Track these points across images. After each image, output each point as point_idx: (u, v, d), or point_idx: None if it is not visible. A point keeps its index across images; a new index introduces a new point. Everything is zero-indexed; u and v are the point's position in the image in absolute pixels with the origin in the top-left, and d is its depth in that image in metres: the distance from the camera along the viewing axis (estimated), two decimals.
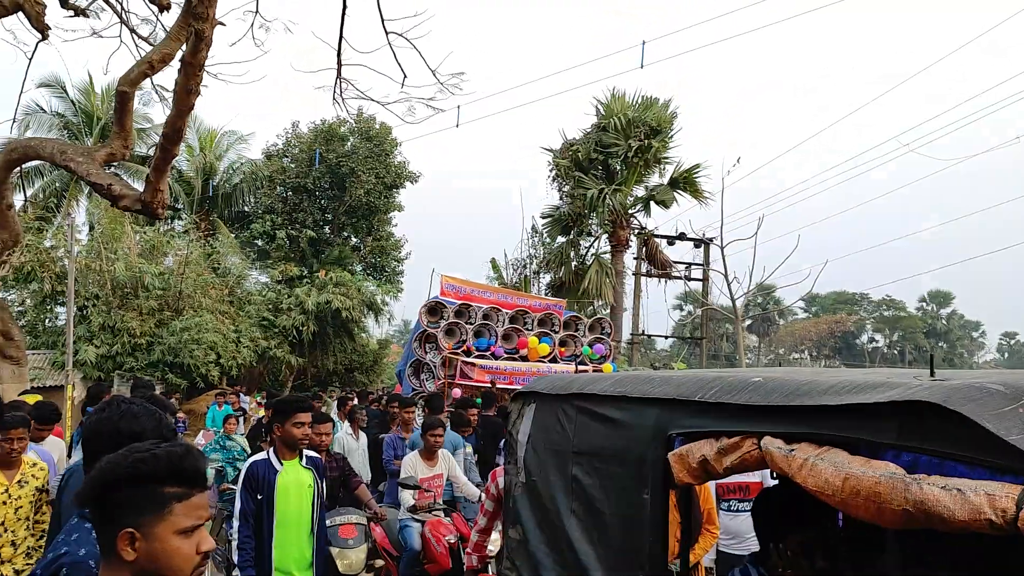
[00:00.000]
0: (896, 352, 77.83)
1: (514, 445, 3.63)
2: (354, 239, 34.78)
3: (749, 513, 6.00)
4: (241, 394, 19.38)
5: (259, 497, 4.73)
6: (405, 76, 9.70)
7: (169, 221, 30.67)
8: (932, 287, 77.36)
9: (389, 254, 34.48)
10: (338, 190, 32.68)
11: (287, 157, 33.25)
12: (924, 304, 78.37)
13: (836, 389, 1.97)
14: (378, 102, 10.20)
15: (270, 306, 27.23)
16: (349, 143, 32.80)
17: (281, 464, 4.86)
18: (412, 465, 6.82)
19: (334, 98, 10.30)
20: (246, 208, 33.91)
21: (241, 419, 12.97)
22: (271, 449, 4.94)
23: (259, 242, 32.61)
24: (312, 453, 5.17)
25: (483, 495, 5.29)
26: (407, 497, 6.60)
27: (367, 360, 32.22)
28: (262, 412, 12.59)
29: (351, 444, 9.62)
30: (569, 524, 3.04)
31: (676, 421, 2.52)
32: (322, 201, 33.63)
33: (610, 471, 2.86)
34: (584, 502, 2.99)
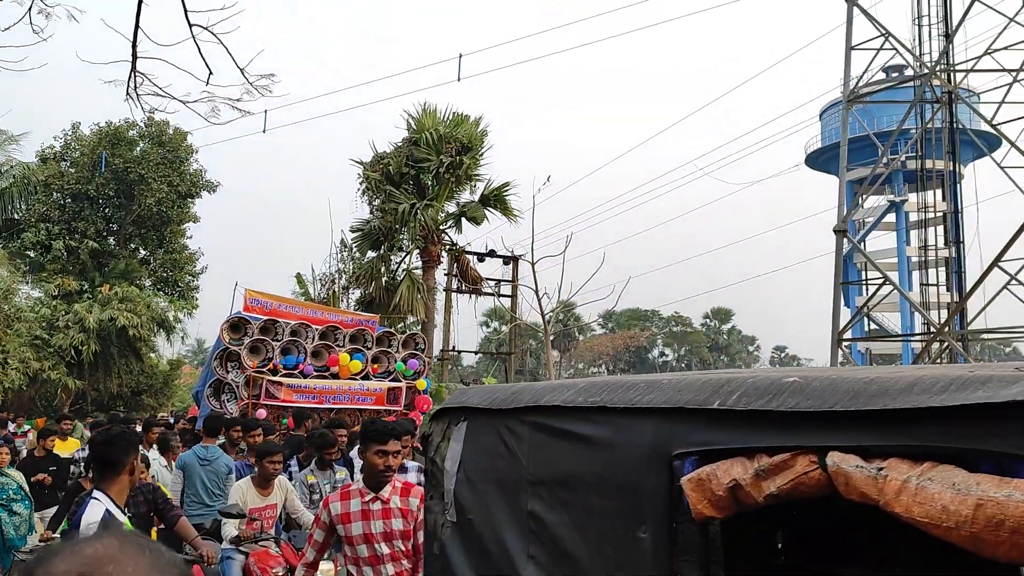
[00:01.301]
0: (684, 365, 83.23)
1: (438, 475, 2.99)
2: (143, 251, 32.29)
3: None
4: (9, 422, 17.27)
5: None
6: (211, 73, 8.99)
7: None
8: (715, 304, 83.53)
9: (183, 268, 32.26)
10: (125, 198, 30.22)
11: (66, 161, 30.35)
12: (708, 320, 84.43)
13: (925, 387, 1.54)
14: (178, 99, 9.39)
15: (44, 324, 24.72)
16: (139, 148, 30.47)
17: (121, 512, 3.78)
18: (241, 494, 6.20)
19: (128, 93, 9.38)
20: (16, 216, 30.53)
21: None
22: (104, 494, 3.78)
23: (32, 253, 29.41)
24: None
25: (312, 524, 4.75)
26: (230, 528, 5.98)
27: (156, 382, 30.05)
28: (36, 443, 11.17)
29: (165, 477, 8.58)
30: (527, 573, 2.44)
31: (683, 436, 1.99)
32: (107, 210, 30.96)
33: (587, 504, 2.26)
34: (548, 544, 2.38)
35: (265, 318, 13.78)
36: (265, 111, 13.36)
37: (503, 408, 2.68)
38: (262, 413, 12.65)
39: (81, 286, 27.86)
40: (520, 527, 2.49)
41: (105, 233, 31.05)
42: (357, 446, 7.42)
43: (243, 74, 9.43)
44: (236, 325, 13.71)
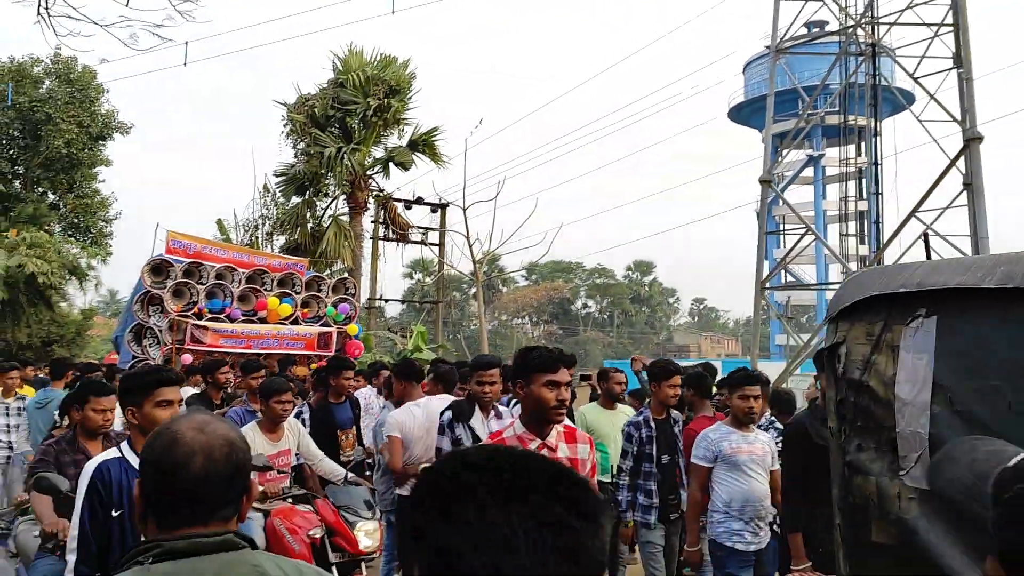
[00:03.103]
0: (606, 316, 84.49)
1: (872, 409, 1.71)
2: (52, 196, 30.79)
3: None
4: None
5: (115, 514, 3.10)
6: None
7: None
8: (637, 256, 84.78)
9: (95, 213, 30.90)
10: (32, 139, 28.67)
11: None
12: (630, 272, 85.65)
13: None
14: (95, 23, 8.90)
15: None
16: (44, 87, 28.86)
17: None
18: (250, 440, 5.64)
19: (39, 13, 8.83)
20: None
21: None
22: (125, 442, 3.32)
23: None
24: None
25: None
26: None
27: (68, 332, 28.88)
28: None
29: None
30: None
31: None
32: (11, 151, 29.35)
33: None
34: None
35: (189, 261, 13.31)
36: (186, 43, 12.73)
37: None
38: (187, 358, 12.28)
39: None
40: None
41: (10, 175, 29.49)
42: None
43: None
44: (158, 268, 13.21)
